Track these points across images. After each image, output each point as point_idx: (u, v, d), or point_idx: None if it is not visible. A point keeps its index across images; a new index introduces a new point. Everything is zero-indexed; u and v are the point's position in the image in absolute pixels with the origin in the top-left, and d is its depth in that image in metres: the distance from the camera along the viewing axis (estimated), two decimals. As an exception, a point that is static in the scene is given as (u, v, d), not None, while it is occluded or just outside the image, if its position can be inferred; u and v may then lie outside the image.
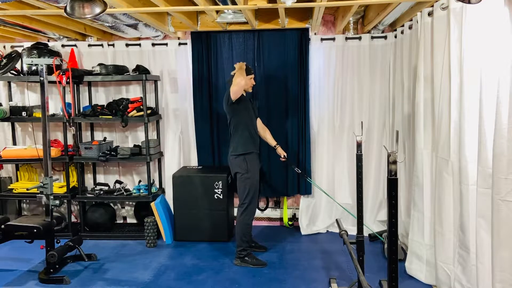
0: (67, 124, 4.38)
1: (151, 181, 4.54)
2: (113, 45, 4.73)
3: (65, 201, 4.56)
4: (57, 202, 3.62)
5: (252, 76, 3.79)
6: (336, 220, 3.40)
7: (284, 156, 4.05)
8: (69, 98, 4.58)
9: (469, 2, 2.29)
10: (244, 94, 3.78)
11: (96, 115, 4.49)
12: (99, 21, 3.77)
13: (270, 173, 4.66)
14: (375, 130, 4.53)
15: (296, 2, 3.11)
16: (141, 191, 4.55)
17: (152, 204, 4.37)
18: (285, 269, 3.70)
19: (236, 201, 4.70)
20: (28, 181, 4.77)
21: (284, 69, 4.53)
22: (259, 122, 4.01)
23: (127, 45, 4.71)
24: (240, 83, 3.55)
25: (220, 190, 4.28)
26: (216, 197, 4.30)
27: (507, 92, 2.37)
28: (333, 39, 4.46)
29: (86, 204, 4.69)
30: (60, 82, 4.14)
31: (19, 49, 4.56)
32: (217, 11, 4.03)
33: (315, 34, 4.54)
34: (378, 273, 3.43)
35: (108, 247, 4.26)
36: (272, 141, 4.06)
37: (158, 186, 4.80)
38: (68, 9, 2.54)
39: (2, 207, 4.79)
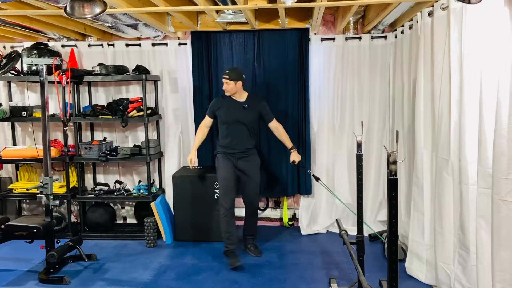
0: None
1: (151, 181, 4.54)
2: (113, 45, 4.73)
3: (65, 201, 4.56)
4: (57, 202, 3.62)
5: (224, 80, 3.80)
6: (336, 220, 3.40)
7: (293, 161, 4.01)
8: (68, 98, 4.58)
9: (469, 2, 2.29)
10: (234, 98, 3.87)
11: (96, 115, 4.49)
12: (99, 21, 3.77)
13: (270, 173, 4.66)
14: (375, 130, 4.53)
15: (296, 2, 3.11)
16: (141, 191, 4.54)
17: (152, 204, 4.37)
18: (285, 269, 3.70)
19: (236, 201, 4.71)
20: (28, 181, 4.77)
21: (284, 69, 4.53)
22: (272, 124, 3.99)
23: (127, 45, 4.71)
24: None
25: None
26: (216, 197, 4.29)
27: (507, 92, 2.37)
28: (333, 39, 4.46)
29: (86, 204, 4.69)
30: (60, 82, 4.14)
31: (19, 49, 4.56)
32: (217, 11, 4.03)
33: (315, 34, 4.54)
34: (378, 273, 3.43)
35: (108, 247, 4.26)
36: (288, 143, 4.03)
37: (158, 186, 4.80)
38: (68, 9, 2.54)
39: (2, 207, 4.79)
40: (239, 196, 4.12)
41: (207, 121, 4.00)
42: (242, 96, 3.90)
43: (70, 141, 4.61)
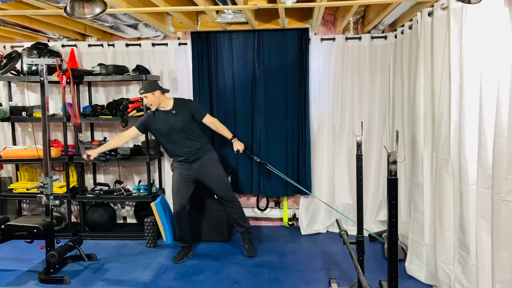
0: (73, 126, 4.35)
1: (151, 181, 4.54)
2: (113, 45, 4.73)
3: (65, 201, 4.56)
4: (57, 202, 3.62)
5: (142, 96, 3.85)
6: (336, 220, 3.40)
7: (237, 150, 4.07)
8: (69, 98, 4.57)
9: (469, 2, 2.29)
10: (163, 108, 3.89)
11: (96, 115, 4.49)
12: (99, 21, 3.77)
13: (270, 173, 4.65)
14: (375, 130, 4.53)
15: (296, 2, 3.11)
16: (141, 191, 4.55)
17: (152, 204, 4.37)
18: (285, 269, 3.70)
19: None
20: (28, 181, 4.77)
21: (284, 69, 4.53)
22: (205, 120, 4.01)
23: (127, 45, 4.71)
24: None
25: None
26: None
27: (507, 92, 2.37)
28: (333, 39, 4.46)
29: (86, 204, 4.69)
30: (68, 83, 4.13)
31: (19, 49, 4.56)
32: (217, 11, 4.03)
33: (315, 34, 4.54)
34: (378, 273, 3.43)
35: (108, 247, 4.26)
36: (228, 134, 4.10)
37: (158, 186, 4.80)
38: (68, 9, 2.54)
39: (2, 207, 4.79)
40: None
41: (131, 133, 4.00)
42: (168, 104, 3.91)
43: (70, 141, 4.61)
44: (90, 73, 4.49)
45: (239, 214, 4.06)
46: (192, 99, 4.64)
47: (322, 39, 4.48)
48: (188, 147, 3.89)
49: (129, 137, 4.09)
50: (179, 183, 3.94)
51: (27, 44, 4.59)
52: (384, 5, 3.50)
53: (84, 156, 4.01)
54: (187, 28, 4.47)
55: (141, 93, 3.83)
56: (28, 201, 4.99)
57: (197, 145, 3.93)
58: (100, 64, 4.52)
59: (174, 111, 3.88)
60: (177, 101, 3.97)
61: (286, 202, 4.85)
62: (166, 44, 4.66)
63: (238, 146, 4.09)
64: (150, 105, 3.83)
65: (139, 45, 4.69)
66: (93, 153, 4.00)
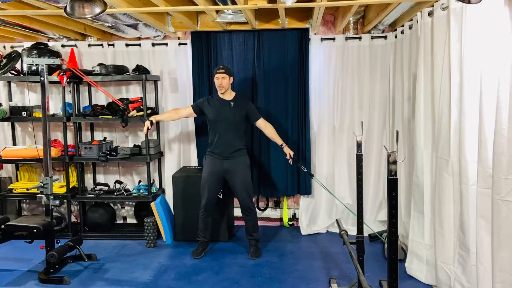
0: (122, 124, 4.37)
1: (151, 181, 4.53)
2: (113, 45, 4.73)
3: (65, 201, 4.56)
4: (57, 202, 3.61)
5: (216, 75, 3.87)
6: (336, 220, 3.40)
7: (289, 155, 4.03)
8: (69, 98, 4.58)
9: (469, 2, 2.29)
10: (222, 96, 3.95)
11: (96, 115, 4.49)
12: (99, 21, 3.77)
13: (270, 173, 4.66)
14: (375, 130, 4.53)
15: (296, 2, 3.11)
16: (141, 191, 4.54)
17: (152, 204, 4.37)
18: (285, 269, 3.70)
19: (236, 201, 4.71)
20: (28, 181, 4.77)
21: (284, 69, 4.53)
22: (259, 123, 4.02)
23: (127, 45, 4.71)
24: None
25: (220, 190, 4.27)
26: (220, 196, 4.28)
27: (507, 92, 2.37)
28: (333, 39, 4.46)
29: (86, 204, 4.69)
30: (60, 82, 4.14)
31: (19, 49, 4.56)
32: (217, 11, 4.03)
33: (315, 34, 4.54)
34: (378, 273, 3.43)
35: (108, 247, 4.26)
36: (278, 140, 4.06)
37: (158, 186, 4.80)
38: (68, 9, 2.54)
39: (2, 207, 4.79)
40: (220, 196, 4.21)
41: (186, 111, 4.11)
42: (230, 95, 3.98)
43: (70, 141, 4.61)
44: (90, 73, 4.48)
45: (252, 223, 4.05)
46: (192, 99, 4.65)
47: (322, 39, 4.48)
48: (228, 142, 3.91)
49: (183, 114, 4.15)
50: (210, 179, 3.97)
51: (27, 44, 4.59)
52: (384, 5, 3.50)
53: (146, 125, 3.99)
54: (187, 28, 4.47)
55: (221, 72, 3.85)
56: (28, 201, 4.99)
57: (237, 145, 3.95)
58: (100, 64, 4.52)
59: (232, 103, 3.94)
60: (239, 96, 4.04)
61: (286, 202, 4.84)
62: (166, 44, 4.66)
63: (289, 150, 4.04)
64: (222, 86, 3.87)
65: (139, 45, 4.69)
66: (154, 118, 4.07)
